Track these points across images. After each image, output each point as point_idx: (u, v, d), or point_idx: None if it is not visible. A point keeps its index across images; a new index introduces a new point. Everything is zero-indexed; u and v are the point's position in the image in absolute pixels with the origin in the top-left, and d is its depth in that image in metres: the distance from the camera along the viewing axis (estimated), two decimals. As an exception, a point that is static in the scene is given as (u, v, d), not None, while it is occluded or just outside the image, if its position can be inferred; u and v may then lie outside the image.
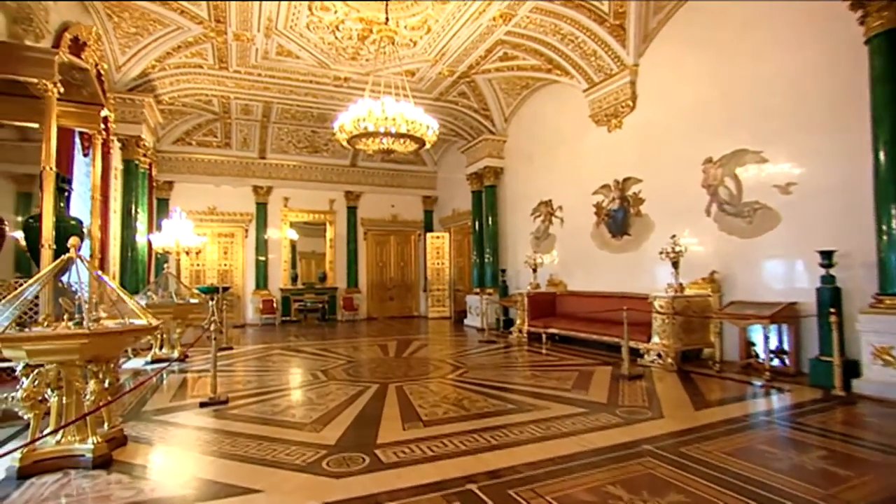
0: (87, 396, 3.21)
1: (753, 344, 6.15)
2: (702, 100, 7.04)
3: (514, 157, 11.79)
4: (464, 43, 8.63)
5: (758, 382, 5.28)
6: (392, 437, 3.67)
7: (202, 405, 4.65)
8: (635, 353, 6.57)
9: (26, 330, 3.08)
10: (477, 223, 12.57)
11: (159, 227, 10.06)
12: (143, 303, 7.15)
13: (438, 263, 14.80)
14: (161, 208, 12.13)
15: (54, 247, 4.77)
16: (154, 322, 3.46)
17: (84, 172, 7.93)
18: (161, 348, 7.37)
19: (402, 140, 6.39)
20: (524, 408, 4.46)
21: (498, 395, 4.99)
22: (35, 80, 4.75)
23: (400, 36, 8.11)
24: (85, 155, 7.41)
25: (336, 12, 7.60)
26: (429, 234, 15.17)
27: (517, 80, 10.34)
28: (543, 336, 8.84)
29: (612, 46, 7.96)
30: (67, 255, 3.39)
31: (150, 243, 9.67)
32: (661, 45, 7.69)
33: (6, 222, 5.43)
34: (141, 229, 9.43)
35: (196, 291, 12.47)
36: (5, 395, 3.71)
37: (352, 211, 14.99)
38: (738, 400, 4.72)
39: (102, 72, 7.90)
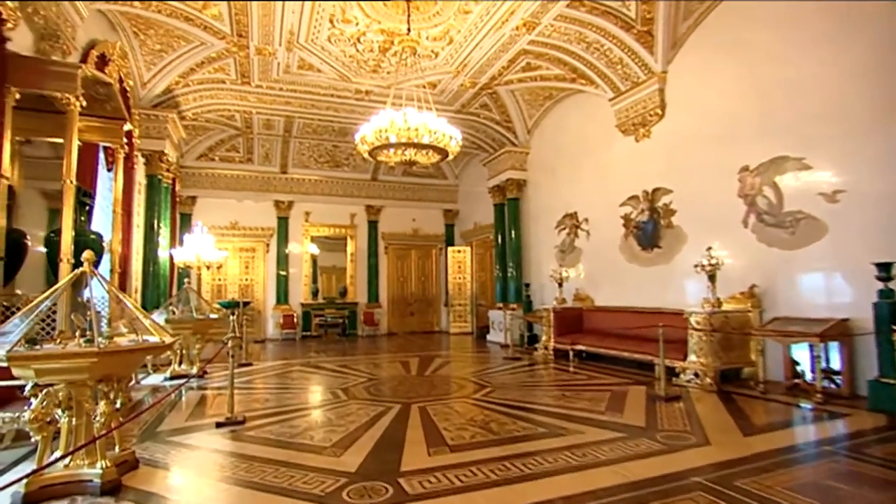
0: (97, 418, 3.05)
1: (797, 363, 5.75)
2: (736, 106, 6.74)
3: (538, 169, 11.57)
4: (486, 53, 8.50)
5: (807, 405, 4.90)
6: (417, 463, 3.42)
7: (218, 425, 4.48)
8: (670, 372, 6.21)
9: (37, 348, 2.94)
10: (499, 237, 12.33)
11: (181, 242, 10.07)
12: (162, 318, 7.08)
13: (460, 278, 14.56)
14: (184, 223, 12.20)
15: (72, 261, 4.70)
16: (168, 339, 3.30)
17: (108, 187, 7.96)
18: (180, 364, 7.26)
19: (424, 151, 6.24)
20: (556, 431, 4.17)
21: (527, 417, 4.71)
22: (58, 94, 4.75)
23: (422, 47, 8.01)
24: (109, 170, 7.43)
25: (357, 24, 7.55)
26: (450, 248, 14.97)
27: (540, 91, 10.15)
28: (571, 353, 8.49)
29: (639, 54, 7.73)
30: (80, 269, 3.25)
31: (171, 258, 9.66)
32: (691, 50, 7.43)
33: (28, 237, 5.37)
34: (163, 244, 9.43)
35: (217, 306, 12.48)
36: (17, 414, 3.60)
37: (372, 225, 14.91)
38: (789, 425, 4.36)
39: (128, 88, 7.97)
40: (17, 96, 4.63)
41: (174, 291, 10.33)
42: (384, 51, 8.35)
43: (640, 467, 3.28)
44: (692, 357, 6.15)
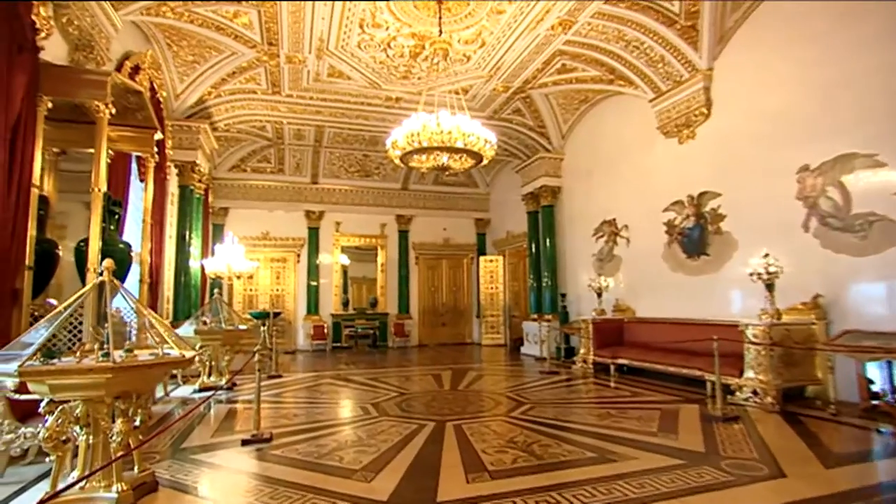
0: (114, 438, 2.85)
1: (871, 382, 5.19)
2: (792, 102, 6.25)
3: (573, 176, 11.17)
4: (520, 56, 8.21)
5: (887, 429, 4.36)
6: (455, 491, 3.11)
7: (244, 443, 4.26)
8: (724, 390, 5.71)
9: (53, 362, 2.77)
10: (533, 245, 11.95)
11: (213, 253, 10.06)
12: (192, 328, 6.98)
13: (492, 288, 14.20)
14: (217, 234, 12.27)
15: (100, 270, 4.59)
16: (188, 353, 3.10)
17: (141, 198, 7.97)
18: (209, 376, 7.14)
19: (458, 156, 5.97)
20: (606, 456, 3.79)
21: (572, 438, 4.33)
22: (89, 102, 4.70)
23: (453, 50, 7.79)
24: (141, 180, 7.43)
25: (388, 28, 7.38)
26: (482, 258, 14.64)
27: (575, 94, 9.80)
28: (612, 367, 8.05)
29: (682, 50, 7.32)
30: (100, 278, 3.09)
31: (202, 268, 9.64)
32: (740, 45, 6.97)
33: (60, 247, 5.33)
34: (195, 254, 9.43)
35: (246, 317, 12.47)
36: (39, 428, 3.45)
37: (403, 235, 14.73)
38: (875, 455, 3.85)
39: (161, 99, 8.01)
40: (50, 105, 4.58)
41: (206, 302, 10.33)
42: (415, 55, 8.17)
43: (708, 503, 2.89)
44: (749, 373, 5.64)
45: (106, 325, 2.87)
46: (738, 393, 5.71)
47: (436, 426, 4.80)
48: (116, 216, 5.29)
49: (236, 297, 13.04)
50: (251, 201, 13.38)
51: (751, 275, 5.91)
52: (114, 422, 2.88)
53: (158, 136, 6.14)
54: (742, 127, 6.97)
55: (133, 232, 7.92)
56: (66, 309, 3.00)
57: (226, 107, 9.55)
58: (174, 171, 9.06)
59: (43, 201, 5.11)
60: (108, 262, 3.13)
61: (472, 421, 5.03)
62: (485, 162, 6.39)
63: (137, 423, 3.15)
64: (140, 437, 3.22)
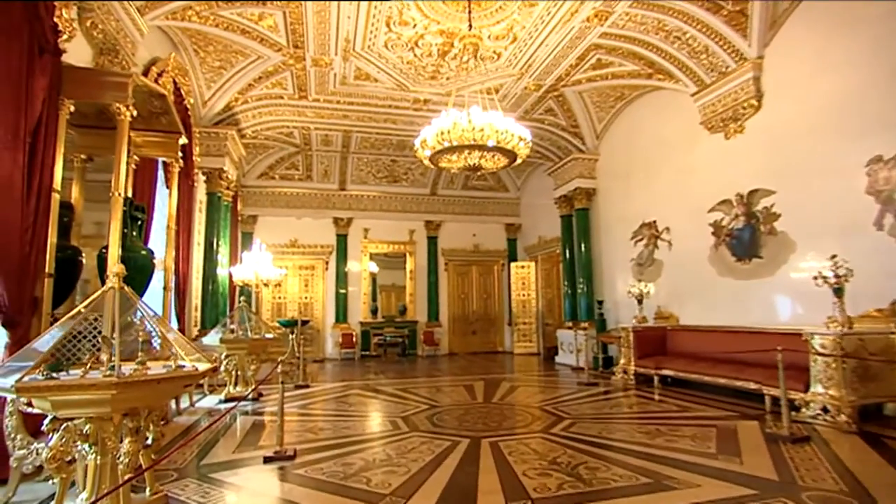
0: (121, 459, 2.60)
1: (961, 398, 4.59)
2: (856, 88, 5.70)
3: (608, 177, 10.70)
4: (553, 51, 7.85)
5: None
6: (494, 524, 2.75)
7: (266, 460, 3.99)
8: (779, 403, 5.17)
9: (56, 375, 2.54)
10: (567, 250, 11.49)
11: (242, 260, 9.97)
12: (217, 337, 6.82)
13: (524, 295, 13.76)
14: (245, 242, 12.24)
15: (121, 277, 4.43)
16: (203, 366, 2.84)
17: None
18: (235, 386, 6.95)
19: (490, 154, 5.63)
20: (663, 482, 3.36)
21: (622, 460, 3.91)
22: (111, 105, 4.57)
23: (483, 47, 7.47)
24: (168, 186, 7.36)
25: (415, 26, 7.14)
26: (513, 264, 14.22)
27: (610, 92, 9.36)
28: (655, 378, 7.53)
29: (729, 39, 6.83)
30: (107, 286, 2.87)
31: (230, 276, 9.55)
32: (794, 29, 6.45)
33: (83, 254, 5.21)
34: (223, 262, 9.34)
35: (274, 325, 12.36)
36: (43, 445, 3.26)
37: (432, 241, 14.45)
38: (982, 485, 3.31)
39: (189, 106, 7.95)
40: (72, 109, 4.46)
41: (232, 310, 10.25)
42: (443, 54, 7.90)
43: (796, 544, 2.45)
44: (817, 388, 5.10)
45: (113, 335, 2.63)
46: (803, 409, 5.16)
47: (470, 443, 4.45)
48: (140, 222, 5.14)
49: (265, 305, 12.98)
50: (279, 209, 13.34)
51: (815, 278, 5.36)
52: (122, 441, 2.64)
53: (183, 140, 6.00)
54: (798, 118, 6.43)
55: (161, 239, 7.84)
56: (72, 318, 2.78)
57: (253, 113, 9.48)
58: (202, 178, 9.01)
59: (67, 207, 5.03)
60: (118, 267, 2.91)
61: (509, 438, 4.66)
62: (519, 161, 6.03)
63: (149, 441, 2.91)
64: (153, 456, 2.98)
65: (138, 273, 4.89)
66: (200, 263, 8.86)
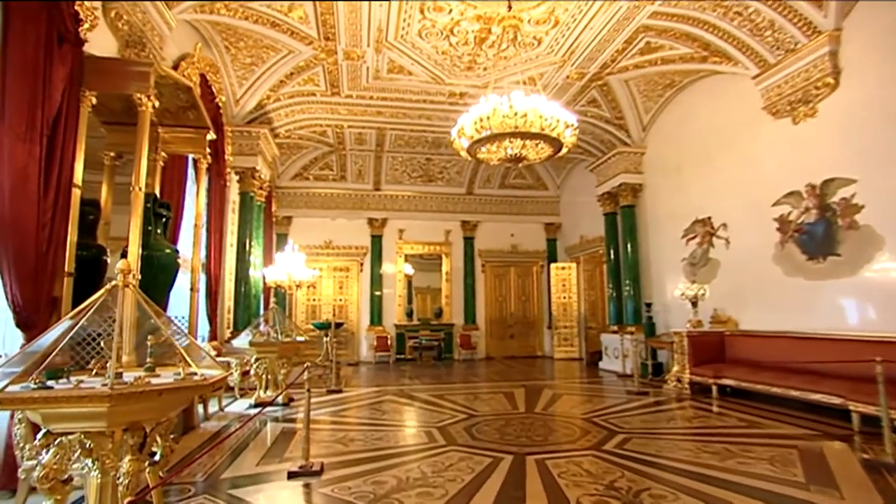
0: (121, 479, 2.29)
1: None
2: (957, 60, 4.97)
3: (656, 171, 10.03)
4: (598, 35, 7.31)
5: None
6: (549, 569, 2.29)
7: (290, 475, 3.66)
8: (871, 422, 4.50)
9: (52, 384, 2.25)
10: (612, 250, 10.86)
11: (275, 262, 9.81)
12: (247, 340, 6.60)
13: (565, 297, 13.16)
14: (280, 243, 12.11)
15: (139, 277, 4.21)
16: (214, 374, 2.51)
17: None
18: (266, 390, 6.70)
19: (534, 143, 5.17)
20: (748, 518, 2.83)
21: (692, 487, 3.37)
22: (133, 95, 4.36)
23: (522, 33, 7.02)
24: (197, 184, 7.20)
25: (451, 11, 6.74)
26: (553, 265, 13.64)
27: (659, 79, 8.72)
28: (714, 388, 6.88)
29: (799, 10, 6.14)
30: (111, 284, 2.58)
31: (264, 277, 9.39)
32: (877, -2, 5.72)
33: (108, 254, 5.04)
34: (256, 263, 9.18)
35: (308, 327, 12.20)
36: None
37: (468, 242, 14.01)
38: None
39: (221, 104, 7.82)
40: (94, 101, 4.27)
41: (263, 312, 10.12)
42: (480, 42, 7.48)
43: None
44: (919, 405, 4.39)
45: (108, 339, 2.33)
46: (900, 429, 4.46)
47: (514, 461, 4.00)
48: (164, 220, 4.93)
49: (299, 308, 12.85)
50: (314, 210, 13.20)
51: (910, 277, 4.66)
52: (122, 459, 2.33)
53: (211, 136, 5.80)
54: (884, 96, 5.69)
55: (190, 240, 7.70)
56: (73, 318, 2.50)
57: (285, 111, 9.30)
58: (234, 177, 8.88)
59: (93, 205, 4.86)
60: (122, 262, 2.61)
61: (557, 455, 4.17)
62: (564, 151, 5.55)
63: (157, 457, 2.61)
64: (161, 474, 2.67)
65: (161, 272, 4.68)
66: (233, 264, 8.72)
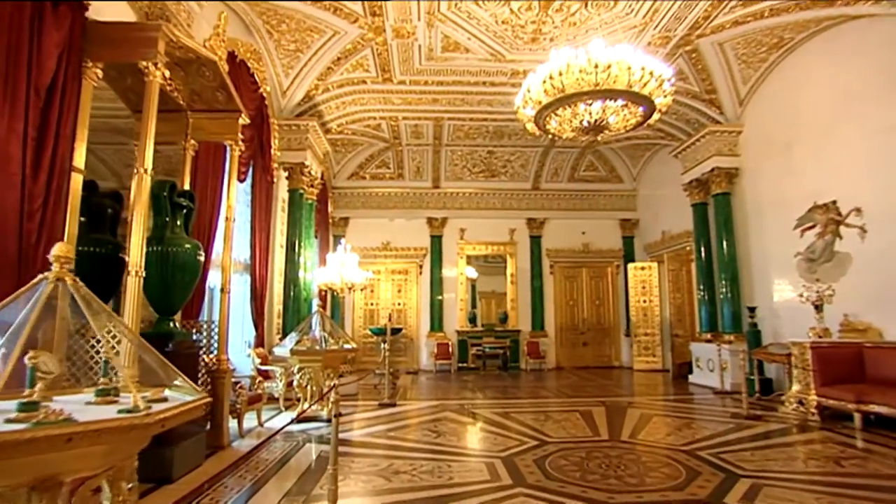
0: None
1: None
2: None
3: (757, 152, 8.53)
4: (689, -15, 6.12)
5: None
6: None
7: (311, 528, 2.84)
8: None
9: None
10: (702, 246, 9.42)
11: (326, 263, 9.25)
12: (287, 347, 5.96)
13: (645, 301, 11.75)
14: (337, 246, 11.63)
15: (143, 273, 3.59)
16: (163, 409, 1.72)
17: (245, 202, 7.30)
18: (311, 403, 6.01)
19: (619, 105, 4.13)
20: None
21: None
22: (139, 63, 3.78)
23: (596, -11, 5.96)
24: (241, 180, 6.71)
25: (511, -32, 5.83)
26: (630, 265, 12.26)
27: (764, 38, 7.31)
28: (857, 416, 5.42)
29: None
30: (40, 276, 1.86)
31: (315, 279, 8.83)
32: None
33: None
34: (308, 264, 8.62)
35: (365, 332, 11.59)
36: None
37: (535, 241, 12.91)
38: None
39: (265, 95, 7.33)
40: (99, 73, 3.73)
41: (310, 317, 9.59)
42: (546, 6, 6.48)
43: None
44: None
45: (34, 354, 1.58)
46: None
47: (605, 518, 2.96)
48: (185, 210, 4.33)
49: (356, 312, 12.31)
50: (371, 210, 12.64)
51: None
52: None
53: (243, 120, 5.20)
54: None
55: (239, 242, 7.23)
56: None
57: (336, 103, 8.72)
58: (283, 174, 8.38)
59: (113, 198, 4.35)
60: (57, 247, 1.89)
61: (664, 511, 3.09)
62: (655, 117, 4.46)
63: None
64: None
65: (178, 271, 4.07)
66: (282, 266, 8.20)
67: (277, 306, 7.98)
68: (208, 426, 4.66)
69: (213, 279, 5.93)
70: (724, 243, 8.90)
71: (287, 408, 6.53)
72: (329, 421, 5.82)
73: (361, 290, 9.35)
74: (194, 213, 4.55)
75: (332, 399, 5.39)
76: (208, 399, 2.07)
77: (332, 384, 6.01)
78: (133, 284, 3.43)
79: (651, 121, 4.50)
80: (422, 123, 10.25)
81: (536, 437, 5.13)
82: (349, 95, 8.64)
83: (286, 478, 3.84)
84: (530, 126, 4.71)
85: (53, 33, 3.37)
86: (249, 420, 5.59)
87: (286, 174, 8.44)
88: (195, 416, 1.98)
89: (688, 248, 10.39)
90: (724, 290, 8.84)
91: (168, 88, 4.71)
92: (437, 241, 12.75)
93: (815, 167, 7.21)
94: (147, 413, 1.64)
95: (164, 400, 2.03)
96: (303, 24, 6.85)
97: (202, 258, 4.30)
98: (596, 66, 3.86)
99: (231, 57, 6.31)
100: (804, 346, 6.23)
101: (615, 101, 4.07)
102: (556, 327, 12.69)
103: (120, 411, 1.73)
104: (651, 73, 3.95)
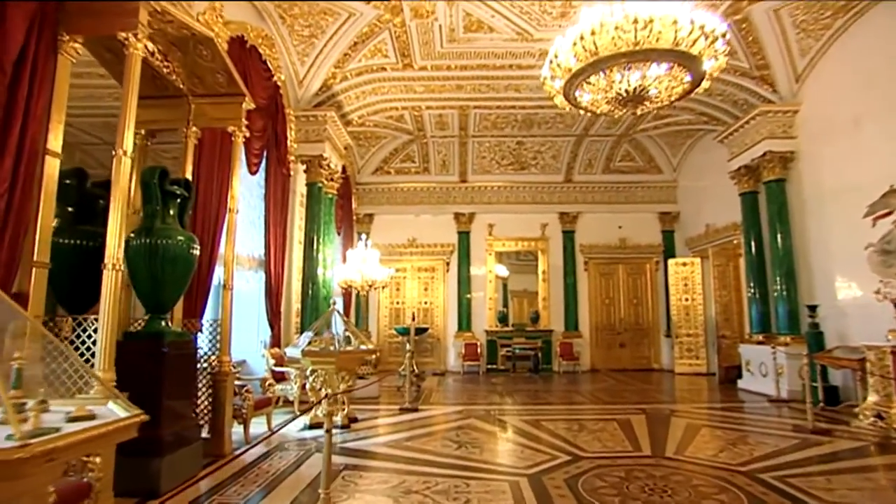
0: None
1: None
2: None
3: (817, 132, 7.68)
4: (740, -59, 5.43)
5: None
6: None
7: (295, 566, 2.39)
8: None
9: None
10: (752, 239, 8.61)
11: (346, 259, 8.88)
12: (300, 348, 5.57)
13: (687, 299, 10.95)
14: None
15: (121, 268, 3.23)
16: (37, 442, 1.29)
17: (258, 195, 6.99)
18: (315, 409, 5.61)
19: (663, 69, 3.54)
20: None
21: None
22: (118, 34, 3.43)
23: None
24: (254, 172, 6.38)
25: (536, -72, 5.27)
26: (671, 261, 11.46)
27: (826, 2, 6.51)
28: (949, 432, 4.64)
29: None
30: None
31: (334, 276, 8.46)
32: None
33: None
34: (327, 262, 8.26)
35: (392, 332, 11.20)
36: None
37: (568, 236, 12.25)
38: None
39: (280, 84, 6.99)
40: (78, 48, 3.39)
41: (350, 316, 9.23)
42: (576, -26, 5.91)
43: None
44: None
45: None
46: None
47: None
48: (179, 200, 3.97)
49: (382, 311, 11.94)
50: (396, 206, 12.26)
51: None
52: None
53: (248, 105, 4.85)
54: None
55: (250, 235, 6.94)
56: None
57: (355, 93, 8.35)
58: (301, 167, 8.05)
59: (105, 188, 4.05)
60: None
61: (725, 555, 2.51)
62: (705, 85, 3.84)
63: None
64: None
65: (169, 264, 3.70)
66: (300, 263, 7.86)
67: (296, 304, 7.66)
68: (207, 433, 4.33)
69: (221, 276, 5.60)
70: (778, 235, 8.07)
71: (303, 412, 6.16)
72: (345, 427, 5.44)
73: (384, 287, 8.97)
74: (190, 202, 4.20)
75: (340, 404, 4.96)
76: (140, 419, 1.64)
77: (339, 389, 5.62)
78: (110, 279, 3.07)
79: (700, 88, 3.88)
80: (446, 113, 9.77)
81: (569, 450, 4.57)
82: (369, 84, 8.24)
83: (282, 497, 3.41)
84: (559, 100, 4.17)
85: (21, 2, 3.04)
86: (259, 425, 5.24)
87: (304, 167, 8.10)
88: (121, 440, 1.56)
89: (735, 242, 9.57)
90: (777, 286, 8.03)
91: (165, 71, 4.38)
92: (464, 237, 12.26)
93: (892, 146, 6.36)
94: (24, 444, 1.21)
95: (91, 417, 1.64)
96: (315, 6, 6.49)
97: (196, 252, 3.93)
98: (635, 22, 3.29)
99: (241, 42, 5.99)
100: (884, 351, 5.44)
101: (659, 64, 3.48)
102: (591, 327, 12.00)
103: (9, 437, 1.31)
104: (702, 29, 3.35)
